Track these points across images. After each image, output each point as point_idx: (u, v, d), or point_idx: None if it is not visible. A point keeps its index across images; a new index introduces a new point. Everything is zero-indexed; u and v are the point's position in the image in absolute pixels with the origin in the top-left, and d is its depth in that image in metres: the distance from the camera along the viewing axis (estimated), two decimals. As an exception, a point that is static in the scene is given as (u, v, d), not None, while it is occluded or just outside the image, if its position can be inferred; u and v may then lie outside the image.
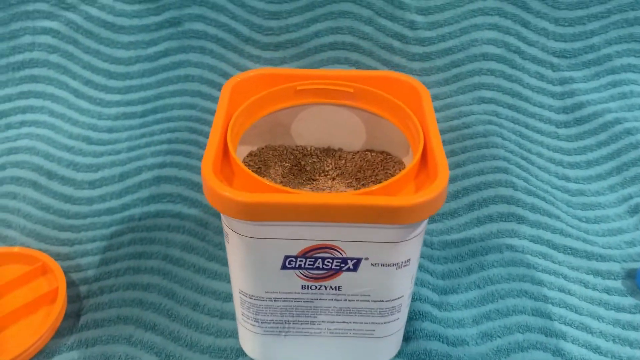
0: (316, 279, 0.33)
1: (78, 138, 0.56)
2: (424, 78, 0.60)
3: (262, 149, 0.39)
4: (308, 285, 0.33)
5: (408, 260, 0.32)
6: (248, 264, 0.32)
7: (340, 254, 0.31)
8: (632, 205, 0.50)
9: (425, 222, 0.32)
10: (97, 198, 0.51)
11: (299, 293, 0.33)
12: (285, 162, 0.38)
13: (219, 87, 0.60)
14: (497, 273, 0.44)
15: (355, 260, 0.32)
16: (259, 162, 0.38)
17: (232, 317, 0.41)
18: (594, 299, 0.43)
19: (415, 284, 0.43)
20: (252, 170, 0.36)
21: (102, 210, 0.49)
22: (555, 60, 0.61)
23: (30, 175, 0.52)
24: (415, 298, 0.42)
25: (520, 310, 0.41)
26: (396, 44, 0.61)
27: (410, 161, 0.35)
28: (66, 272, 0.44)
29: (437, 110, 0.58)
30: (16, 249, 0.45)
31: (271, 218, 0.29)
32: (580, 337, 0.40)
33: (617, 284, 0.44)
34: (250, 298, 0.34)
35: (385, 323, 0.35)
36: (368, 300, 0.34)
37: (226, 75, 0.60)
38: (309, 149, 0.39)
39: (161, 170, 0.52)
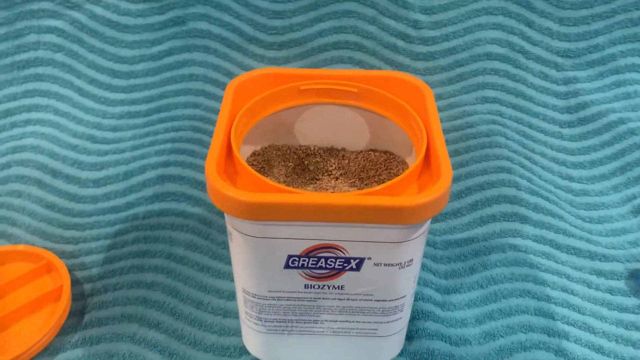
0: (319, 278, 0.33)
1: (82, 137, 0.56)
2: (427, 77, 0.60)
3: (266, 148, 0.39)
4: (311, 285, 0.33)
5: (411, 260, 0.32)
6: (251, 263, 0.32)
7: (343, 253, 0.32)
8: (635, 205, 0.50)
9: (429, 222, 0.32)
10: (102, 196, 0.51)
11: (302, 292, 0.33)
12: (289, 162, 0.38)
13: (222, 86, 0.60)
14: (500, 273, 0.44)
15: (358, 260, 0.32)
16: (263, 161, 0.38)
17: (235, 315, 0.41)
18: (597, 299, 0.43)
19: (418, 283, 0.43)
20: (256, 170, 0.36)
21: (106, 209, 0.50)
22: (559, 59, 0.61)
23: (35, 174, 0.52)
24: (418, 297, 0.42)
25: (523, 310, 0.42)
26: (400, 43, 0.61)
27: (414, 161, 0.35)
28: (71, 270, 0.44)
29: (440, 109, 0.58)
30: (21, 246, 0.45)
31: (274, 218, 0.29)
32: (583, 337, 0.40)
33: (620, 284, 0.44)
34: (254, 297, 0.34)
35: (388, 322, 0.35)
36: (371, 300, 0.34)
37: (230, 75, 0.60)
38: (312, 149, 0.39)
39: (165, 169, 0.52)
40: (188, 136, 0.55)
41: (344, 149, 0.40)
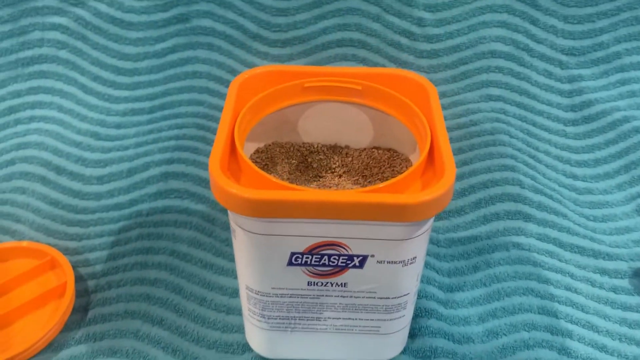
0: (322, 275, 0.33)
1: (86, 134, 0.56)
2: (431, 75, 0.60)
3: (269, 145, 0.39)
4: (314, 282, 0.33)
5: (414, 258, 0.32)
6: (254, 260, 0.32)
7: (347, 251, 0.32)
8: (639, 203, 0.50)
9: (432, 219, 0.32)
10: (105, 193, 0.51)
11: (305, 289, 0.33)
12: (292, 159, 0.38)
13: (226, 83, 0.60)
14: (504, 271, 0.44)
15: (361, 258, 0.32)
16: (266, 158, 0.38)
17: (238, 312, 0.41)
18: (600, 298, 0.43)
19: (421, 281, 0.43)
20: (259, 167, 0.36)
21: (110, 206, 0.50)
22: (564, 58, 0.61)
23: (39, 171, 0.52)
24: (421, 295, 0.42)
25: (526, 308, 0.41)
26: (404, 41, 0.61)
27: (417, 159, 0.35)
28: (74, 266, 0.44)
29: (444, 107, 0.58)
30: (25, 243, 0.45)
31: (278, 215, 0.29)
32: (587, 335, 0.40)
33: (624, 282, 0.44)
34: (257, 294, 0.34)
35: (390, 320, 0.35)
36: (374, 297, 0.34)
37: (234, 72, 0.60)
38: (315, 146, 0.39)
39: (169, 166, 0.52)
40: (192, 133, 0.55)
41: (347, 147, 0.40)
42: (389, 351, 0.38)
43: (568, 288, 0.43)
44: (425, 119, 0.34)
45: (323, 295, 0.34)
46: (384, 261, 0.32)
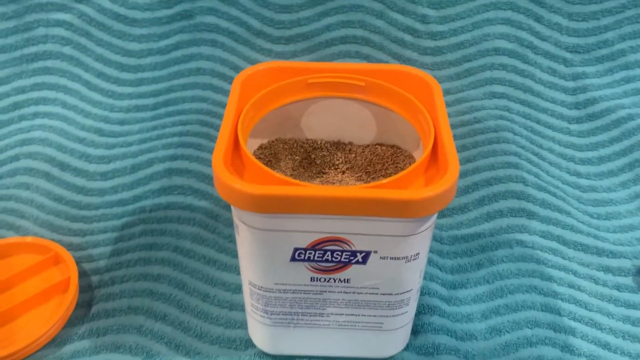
0: (325, 271, 0.33)
1: (90, 130, 0.56)
2: (435, 72, 0.60)
3: (273, 142, 0.39)
4: (317, 278, 0.33)
5: (417, 254, 0.32)
6: (257, 255, 0.32)
7: (350, 246, 0.32)
8: (644, 201, 0.50)
9: (435, 216, 0.32)
10: (109, 189, 0.51)
11: (307, 285, 0.33)
12: (296, 155, 0.38)
13: (230, 80, 0.60)
14: (507, 268, 0.44)
15: (364, 253, 0.32)
16: (270, 155, 0.38)
17: (241, 308, 0.41)
18: (604, 296, 0.43)
19: (424, 278, 0.43)
20: (263, 163, 0.36)
21: (113, 202, 0.50)
22: (568, 55, 0.60)
23: (43, 166, 0.52)
24: (424, 292, 0.42)
25: (529, 305, 0.41)
26: (407, 37, 0.61)
27: (421, 155, 0.35)
28: (78, 262, 0.44)
29: (448, 104, 0.58)
30: (29, 238, 0.45)
31: (281, 210, 0.29)
32: (590, 333, 0.40)
33: (628, 280, 0.44)
34: (260, 289, 0.34)
35: (393, 316, 0.35)
36: (377, 293, 0.34)
37: (237, 69, 0.60)
38: (319, 143, 0.39)
39: (172, 163, 0.52)
40: (195, 130, 0.55)
41: (350, 143, 0.40)
42: (392, 347, 0.38)
43: (571, 285, 0.43)
44: (429, 116, 0.34)
45: (326, 291, 0.34)
46: (387, 257, 0.32)
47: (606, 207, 0.50)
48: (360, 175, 0.37)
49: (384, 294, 0.34)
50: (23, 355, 0.38)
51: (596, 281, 0.44)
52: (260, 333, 0.37)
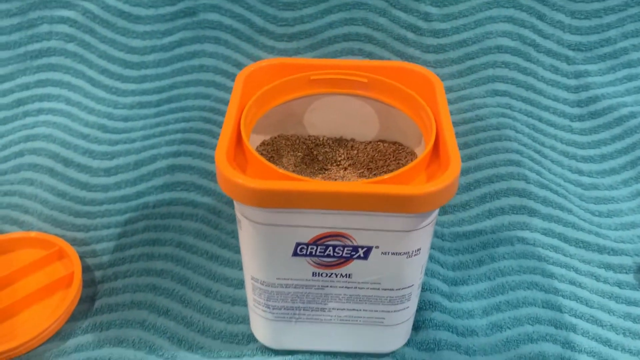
0: (327, 266, 0.33)
1: (94, 126, 0.57)
2: (437, 70, 0.60)
3: (275, 138, 0.39)
4: (319, 273, 0.33)
5: (419, 250, 0.32)
6: (260, 250, 0.33)
7: (351, 242, 0.32)
8: (645, 199, 0.50)
9: (437, 211, 0.32)
10: (112, 185, 0.51)
11: (309, 280, 0.34)
12: (298, 152, 0.39)
13: (233, 77, 0.60)
14: (508, 265, 0.44)
15: (365, 249, 0.32)
16: (272, 151, 0.38)
17: (243, 303, 0.42)
18: (605, 292, 0.43)
19: (426, 274, 0.43)
20: (265, 159, 0.36)
21: (117, 198, 0.50)
22: (570, 53, 0.60)
23: (47, 162, 0.53)
24: (425, 288, 0.42)
25: (530, 302, 0.42)
26: (410, 35, 0.61)
27: (423, 152, 0.35)
28: (82, 257, 0.45)
29: (450, 102, 0.58)
30: (33, 233, 0.45)
31: (283, 205, 0.30)
32: (591, 329, 0.40)
33: (629, 277, 0.44)
34: (262, 284, 0.34)
35: (395, 311, 0.35)
36: (378, 289, 0.34)
37: (240, 66, 0.61)
38: (321, 139, 0.39)
39: (175, 159, 0.53)
40: (198, 127, 0.56)
41: (353, 140, 0.40)
42: (393, 343, 0.38)
43: (572, 282, 0.43)
44: (431, 112, 0.34)
45: (328, 286, 0.34)
46: (389, 252, 0.32)
47: (608, 205, 0.50)
48: (362, 172, 0.37)
49: (385, 289, 0.34)
50: (27, 348, 0.39)
51: (597, 278, 0.44)
52: (262, 328, 0.37)
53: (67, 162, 0.53)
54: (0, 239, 0.45)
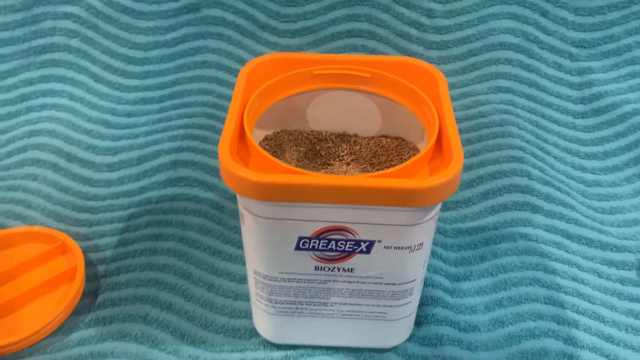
0: (329, 260, 0.33)
1: (97, 122, 0.57)
2: (440, 66, 0.60)
3: (278, 133, 0.39)
4: (321, 267, 0.33)
5: (421, 244, 0.32)
6: (262, 244, 0.33)
7: (354, 236, 0.32)
8: (648, 196, 0.50)
9: (439, 205, 0.32)
10: (116, 181, 0.51)
11: (312, 274, 0.34)
12: (301, 147, 0.39)
13: (235, 73, 0.60)
14: (511, 261, 0.44)
15: (368, 243, 0.32)
16: (275, 146, 0.38)
17: (246, 298, 0.42)
18: (607, 289, 0.43)
19: (428, 270, 0.43)
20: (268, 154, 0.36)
21: (120, 193, 0.50)
22: (574, 50, 0.60)
23: (50, 158, 0.53)
24: (427, 284, 0.42)
25: (532, 298, 0.42)
26: (413, 32, 0.61)
27: (425, 147, 0.35)
28: (85, 251, 0.45)
29: (453, 98, 0.58)
30: (36, 228, 0.46)
31: (286, 199, 0.30)
32: (593, 326, 0.40)
33: (632, 274, 0.44)
34: (264, 278, 0.34)
35: (397, 306, 0.35)
36: (380, 283, 0.34)
37: (243, 62, 0.61)
38: (324, 134, 0.39)
39: (178, 155, 0.53)
40: (201, 122, 0.56)
41: (355, 135, 0.40)
42: (395, 337, 0.38)
43: (575, 279, 0.43)
44: (434, 107, 0.34)
45: (330, 281, 0.34)
46: (391, 247, 0.32)
47: (610, 202, 0.50)
48: (365, 167, 0.37)
49: (387, 284, 0.34)
50: (30, 342, 0.39)
51: (600, 275, 0.44)
52: (264, 322, 0.38)
53: (70, 158, 0.53)
54: (4, 234, 0.45)
